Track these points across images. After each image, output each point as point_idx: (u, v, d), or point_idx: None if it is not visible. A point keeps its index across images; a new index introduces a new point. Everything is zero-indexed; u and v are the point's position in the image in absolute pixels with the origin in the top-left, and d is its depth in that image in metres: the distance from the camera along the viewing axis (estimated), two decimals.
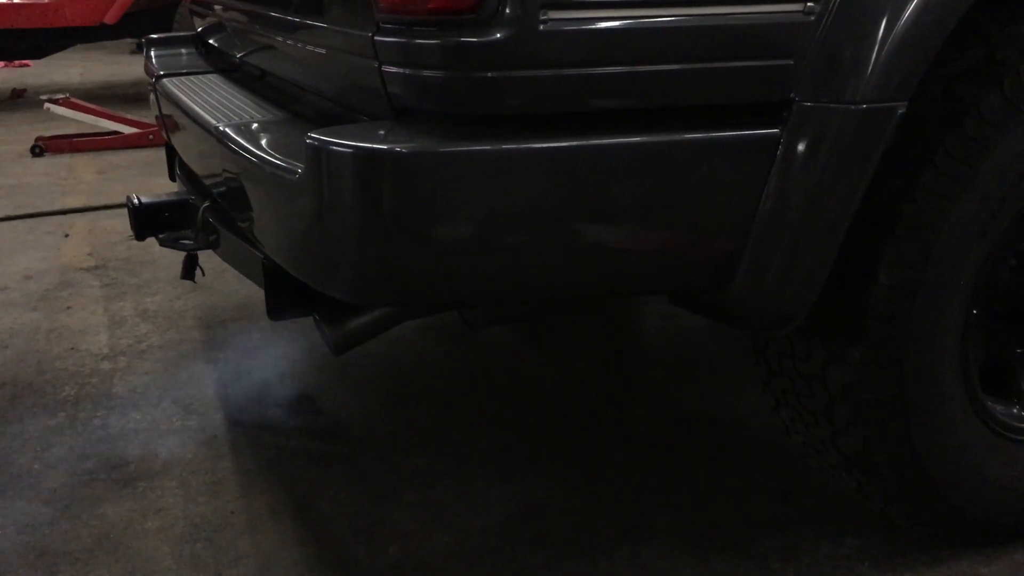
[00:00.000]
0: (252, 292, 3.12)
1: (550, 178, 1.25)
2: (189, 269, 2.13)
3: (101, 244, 3.69)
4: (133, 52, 9.60)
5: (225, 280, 3.24)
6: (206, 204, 1.88)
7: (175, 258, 3.49)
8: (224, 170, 1.59)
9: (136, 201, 1.96)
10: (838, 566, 1.73)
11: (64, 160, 5.22)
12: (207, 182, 1.84)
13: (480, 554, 1.79)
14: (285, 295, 1.53)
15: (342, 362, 2.59)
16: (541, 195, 1.25)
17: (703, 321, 2.89)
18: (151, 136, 5.16)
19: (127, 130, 5.43)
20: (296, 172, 1.29)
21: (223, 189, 1.63)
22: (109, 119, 5.41)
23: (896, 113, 1.33)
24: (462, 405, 2.38)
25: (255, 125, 1.58)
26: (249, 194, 1.49)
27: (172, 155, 2.36)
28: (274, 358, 2.65)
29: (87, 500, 1.97)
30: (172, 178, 2.34)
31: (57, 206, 4.24)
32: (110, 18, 6.55)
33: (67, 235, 3.84)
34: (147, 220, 1.98)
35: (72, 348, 2.73)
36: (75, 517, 1.91)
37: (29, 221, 4.05)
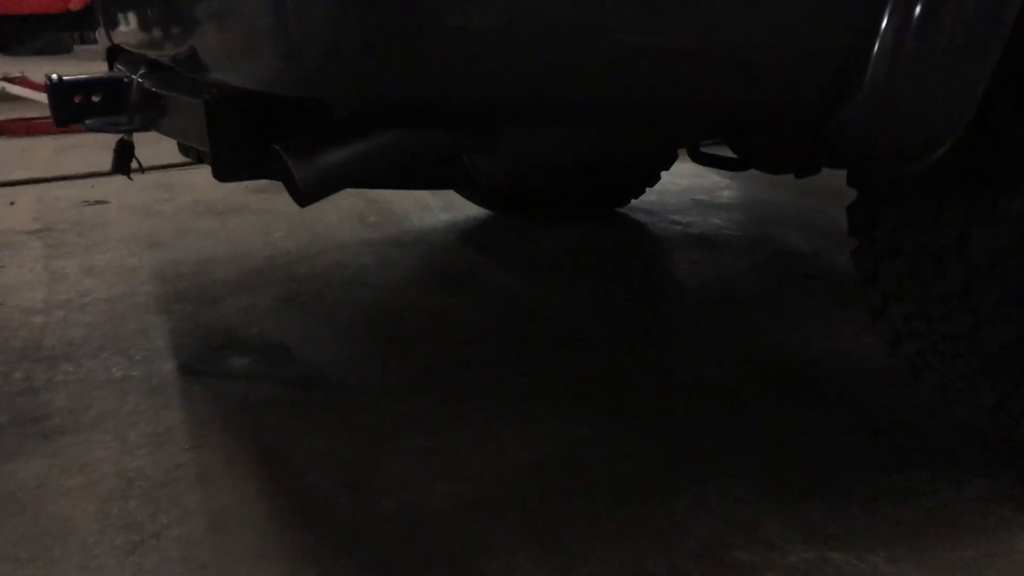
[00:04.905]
0: (218, 246, 2.71)
1: None
2: (123, 157, 1.71)
3: (49, 210, 3.27)
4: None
5: (188, 238, 2.83)
6: (142, 71, 1.47)
7: (132, 219, 3.10)
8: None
9: (55, 77, 1.55)
10: (972, 509, 1.32)
11: (21, 142, 4.79)
12: (144, 37, 1.44)
13: (499, 502, 1.37)
14: (235, 137, 1.12)
15: (323, 308, 2.18)
16: None
17: (743, 262, 2.51)
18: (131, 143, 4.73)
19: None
20: None
21: (163, 19, 1.23)
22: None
23: None
24: (469, 348, 1.96)
25: None
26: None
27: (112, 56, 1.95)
28: (241, 307, 2.22)
29: None
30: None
31: (3, 179, 3.81)
32: (75, 4, 6.15)
33: (12, 203, 3.41)
34: (70, 101, 1.57)
35: None
36: None
37: None
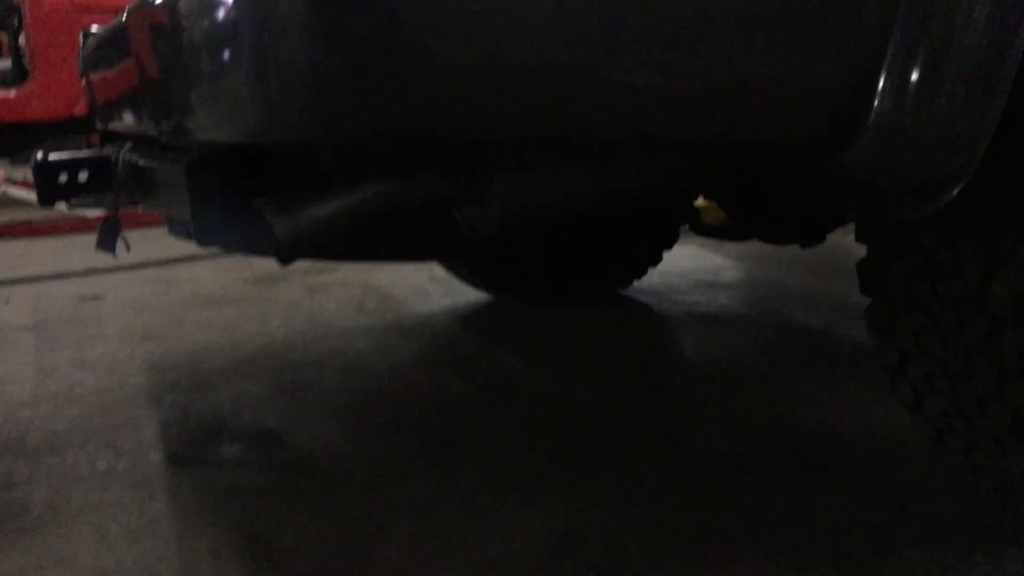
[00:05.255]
0: (214, 336, 2.65)
1: None
2: (108, 234, 1.66)
3: (44, 307, 3.22)
4: None
5: (183, 329, 2.77)
6: (127, 146, 1.44)
7: (127, 313, 3.05)
8: (139, 50, 1.16)
9: (40, 156, 1.52)
10: None
11: (21, 244, 4.79)
12: (130, 113, 1.41)
13: None
14: (216, 197, 1.07)
15: (315, 394, 2.11)
16: None
17: (750, 337, 2.44)
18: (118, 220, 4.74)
19: (93, 213, 5.02)
20: None
21: (142, 78, 1.19)
22: None
23: None
24: (470, 429, 1.88)
25: None
26: (169, 54, 1.05)
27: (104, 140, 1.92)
28: (233, 395, 2.15)
29: None
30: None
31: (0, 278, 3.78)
32: (80, 110, 6.24)
33: (7, 301, 3.36)
34: (56, 180, 1.53)
35: None
36: None
37: None
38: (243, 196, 1.05)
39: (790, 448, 1.72)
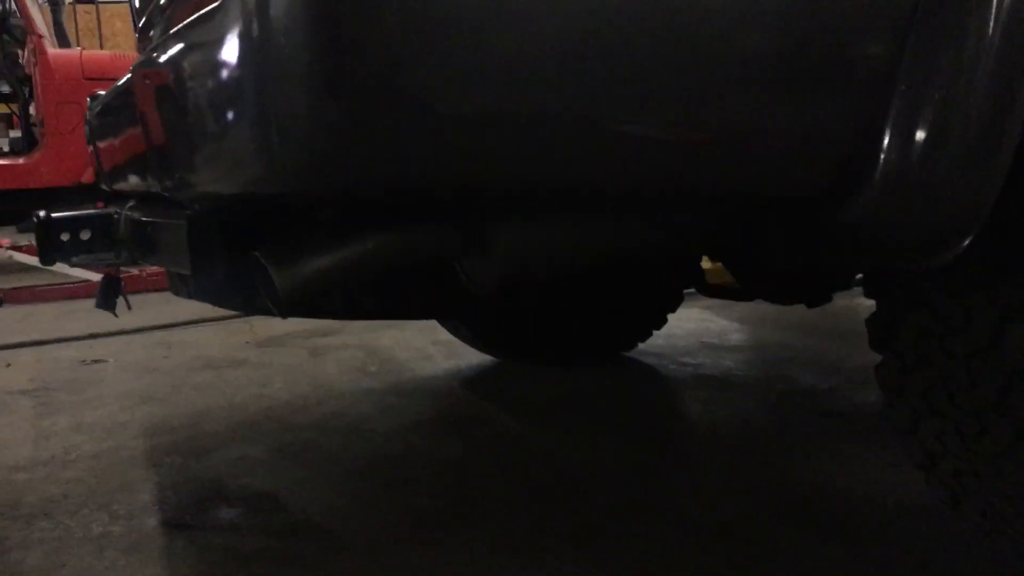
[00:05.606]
0: (214, 399, 2.62)
1: None
2: (109, 292, 1.65)
3: (44, 370, 3.20)
4: None
5: (183, 392, 2.75)
6: (130, 204, 1.43)
7: (127, 376, 3.02)
8: (143, 105, 1.16)
9: (43, 214, 1.52)
10: None
11: (24, 308, 4.78)
12: (133, 171, 1.41)
13: None
14: (215, 251, 1.06)
15: (315, 457, 2.08)
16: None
17: (756, 400, 2.40)
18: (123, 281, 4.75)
19: (97, 277, 5.03)
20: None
21: (146, 132, 1.19)
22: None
23: None
24: (468, 492, 1.84)
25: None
26: (172, 107, 1.05)
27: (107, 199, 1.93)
28: (232, 459, 2.12)
29: None
30: None
31: (1, 343, 3.76)
32: (87, 177, 6.30)
33: (8, 365, 3.35)
34: (57, 238, 1.52)
35: None
36: None
37: None
38: (243, 250, 1.04)
39: (800, 512, 1.68)
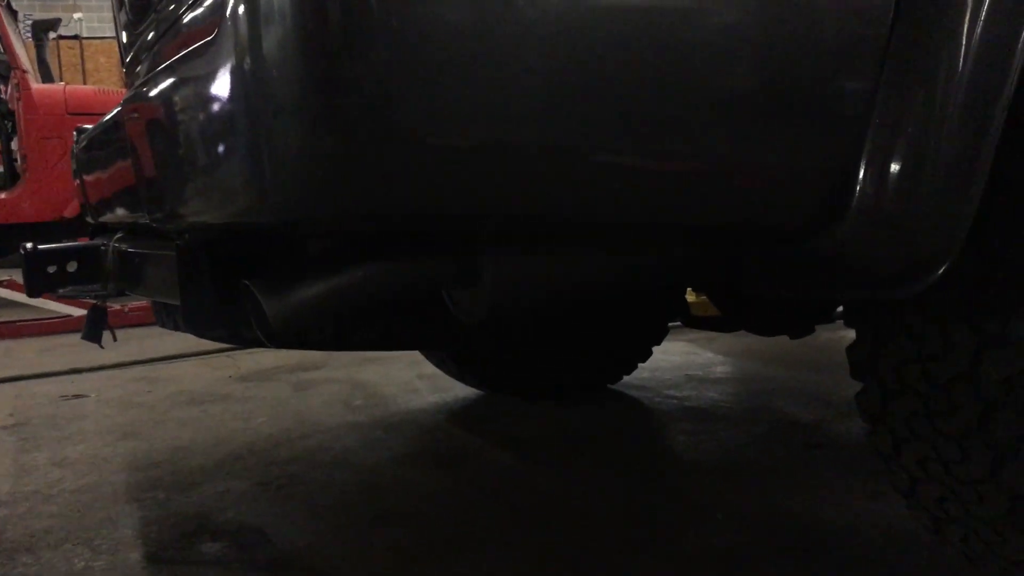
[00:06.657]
0: (197, 434, 2.61)
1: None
2: (96, 324, 1.65)
3: (25, 406, 3.17)
4: None
5: (166, 427, 2.73)
6: (117, 236, 1.44)
7: (110, 412, 3.00)
8: (133, 137, 1.18)
9: (29, 246, 1.52)
10: None
11: (4, 344, 4.75)
12: (121, 203, 1.42)
13: None
14: (205, 281, 1.07)
15: (300, 490, 2.07)
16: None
17: (742, 432, 2.41)
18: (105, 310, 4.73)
19: (78, 312, 5.01)
20: (208, 31, 0.87)
21: (135, 164, 1.20)
22: (58, 301, 5.00)
23: None
24: (456, 528, 1.84)
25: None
26: (162, 138, 1.06)
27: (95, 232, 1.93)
28: (216, 493, 2.10)
29: None
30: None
31: None
32: (70, 212, 6.28)
33: None
34: (44, 270, 1.53)
35: None
36: None
37: None
38: (233, 280, 1.05)
39: (787, 541, 1.68)
